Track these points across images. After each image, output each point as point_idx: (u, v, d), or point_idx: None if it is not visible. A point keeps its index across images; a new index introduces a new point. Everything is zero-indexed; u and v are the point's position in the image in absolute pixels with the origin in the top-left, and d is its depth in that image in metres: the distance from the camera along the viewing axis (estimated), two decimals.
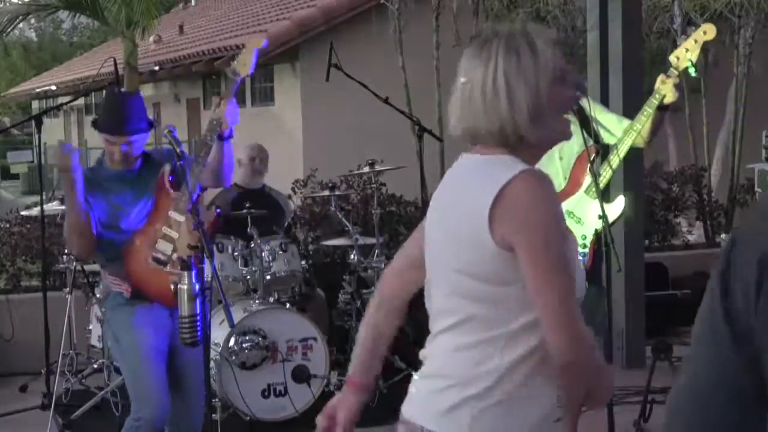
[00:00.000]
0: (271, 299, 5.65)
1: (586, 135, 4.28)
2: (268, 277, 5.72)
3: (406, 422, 2.15)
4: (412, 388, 2.20)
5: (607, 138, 4.54)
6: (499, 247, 2.00)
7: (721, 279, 1.11)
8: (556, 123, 2.12)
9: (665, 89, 4.29)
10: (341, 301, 6.41)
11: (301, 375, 5.45)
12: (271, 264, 5.75)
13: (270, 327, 5.44)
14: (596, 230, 4.36)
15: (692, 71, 4.36)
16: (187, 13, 28.34)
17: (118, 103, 4.17)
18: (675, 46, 11.80)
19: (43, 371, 5.95)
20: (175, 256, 3.93)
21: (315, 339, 5.53)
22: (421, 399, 2.16)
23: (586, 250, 4.42)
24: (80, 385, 6.03)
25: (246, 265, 5.75)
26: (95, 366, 6.10)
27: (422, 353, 2.21)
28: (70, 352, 6.17)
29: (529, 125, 2.05)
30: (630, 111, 6.16)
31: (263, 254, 5.67)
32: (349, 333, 6.10)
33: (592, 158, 4.28)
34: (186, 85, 19.00)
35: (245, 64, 4.14)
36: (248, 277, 5.76)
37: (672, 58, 4.34)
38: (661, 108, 4.35)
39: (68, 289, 6.07)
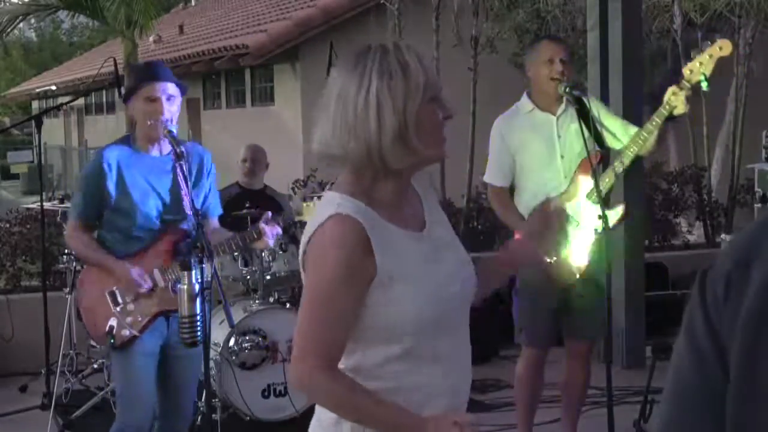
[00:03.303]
0: (271, 299, 5.65)
1: (587, 133, 4.29)
2: (268, 277, 5.72)
3: None
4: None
5: (611, 142, 4.52)
6: None
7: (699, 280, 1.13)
8: (425, 146, 2.09)
9: (676, 101, 4.25)
10: None
11: None
12: (271, 264, 5.75)
13: (270, 327, 5.44)
14: (595, 230, 4.36)
15: (704, 85, 4.31)
16: (187, 13, 28.35)
17: (149, 62, 4.15)
18: (675, 45, 11.82)
19: (43, 371, 5.96)
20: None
21: None
22: (315, 414, 2.25)
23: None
24: (80, 385, 6.03)
25: (246, 265, 5.75)
26: (95, 366, 6.10)
27: None
28: (70, 352, 6.18)
29: (393, 148, 2.05)
30: (630, 111, 6.18)
31: (263, 254, 5.67)
32: None
33: (595, 163, 4.27)
34: (186, 84, 18.99)
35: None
36: (248, 277, 5.76)
37: (685, 71, 4.30)
38: (669, 119, 4.33)
39: (68, 289, 6.07)
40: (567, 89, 4.37)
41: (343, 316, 2.07)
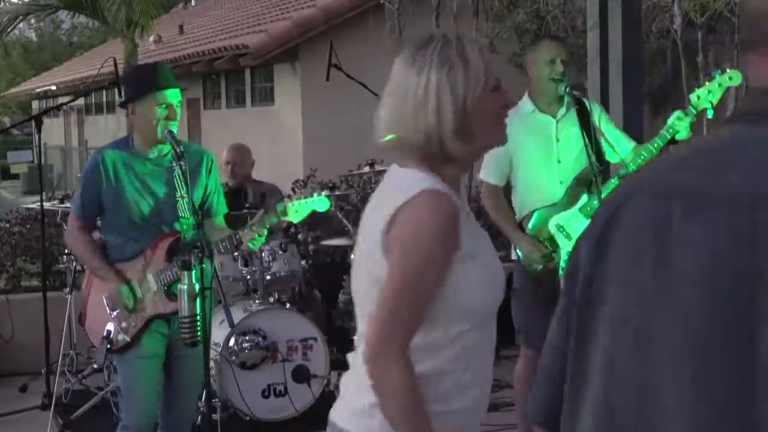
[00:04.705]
0: (271, 299, 5.66)
1: (586, 140, 4.28)
2: (268, 277, 5.72)
3: (330, 423, 2.20)
4: (341, 387, 2.26)
5: (610, 155, 4.51)
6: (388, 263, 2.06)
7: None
8: (485, 135, 2.12)
9: (680, 126, 4.24)
10: (341, 301, 6.40)
11: (301, 375, 5.45)
12: (271, 264, 5.75)
13: (270, 327, 5.44)
14: None
15: (710, 114, 4.29)
16: (187, 13, 28.36)
17: (157, 66, 4.08)
18: (675, 45, 11.82)
19: (43, 371, 5.96)
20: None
21: (315, 339, 5.53)
22: (342, 397, 2.21)
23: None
24: (80, 385, 6.03)
25: (246, 265, 5.76)
26: (95, 366, 6.09)
27: (349, 354, 2.25)
28: (70, 352, 6.18)
29: (453, 138, 2.07)
30: (630, 111, 6.18)
31: (263, 254, 5.67)
32: (349, 333, 6.10)
33: (593, 177, 4.26)
34: (186, 85, 18.99)
35: (298, 213, 4.12)
36: (248, 277, 5.76)
37: (693, 96, 4.28)
38: (670, 142, 4.33)
39: (68, 289, 6.08)
40: (567, 90, 4.37)
41: (427, 295, 2.04)
